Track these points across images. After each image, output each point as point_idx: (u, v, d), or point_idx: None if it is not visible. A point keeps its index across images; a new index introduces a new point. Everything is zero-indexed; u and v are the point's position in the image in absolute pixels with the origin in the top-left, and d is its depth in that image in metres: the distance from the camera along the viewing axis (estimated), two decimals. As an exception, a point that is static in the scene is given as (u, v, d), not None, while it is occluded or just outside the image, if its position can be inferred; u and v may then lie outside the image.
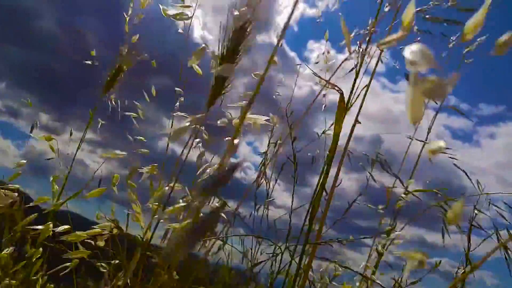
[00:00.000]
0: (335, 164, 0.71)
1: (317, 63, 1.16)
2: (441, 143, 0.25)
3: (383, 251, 0.98)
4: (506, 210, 0.86)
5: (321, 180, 0.71)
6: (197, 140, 0.69)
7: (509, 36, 0.26)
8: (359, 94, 0.67)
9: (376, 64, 0.69)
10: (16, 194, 0.67)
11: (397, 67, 0.98)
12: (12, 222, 0.85)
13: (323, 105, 1.06)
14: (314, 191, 0.90)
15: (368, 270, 0.97)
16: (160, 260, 0.75)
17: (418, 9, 0.70)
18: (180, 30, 0.87)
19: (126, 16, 1.02)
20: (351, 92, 0.65)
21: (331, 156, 0.63)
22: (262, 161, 1.14)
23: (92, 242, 0.72)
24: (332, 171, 0.70)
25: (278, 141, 1.11)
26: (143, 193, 0.78)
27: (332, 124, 1.14)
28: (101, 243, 0.73)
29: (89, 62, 1.05)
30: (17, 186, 0.70)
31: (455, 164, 0.94)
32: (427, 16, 0.69)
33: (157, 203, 0.63)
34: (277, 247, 0.92)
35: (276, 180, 1.18)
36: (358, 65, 0.65)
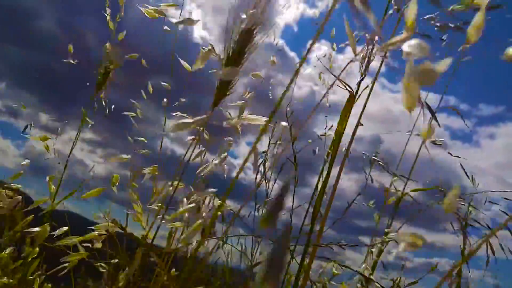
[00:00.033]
0: (335, 164, 0.71)
1: (318, 61, 1.16)
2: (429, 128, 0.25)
3: (382, 248, 0.98)
4: (506, 210, 0.86)
5: (322, 181, 0.71)
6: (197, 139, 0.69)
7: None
8: (360, 94, 0.68)
9: (380, 66, 0.69)
10: (19, 196, 0.67)
11: (397, 67, 0.98)
12: (12, 222, 0.84)
13: (328, 105, 1.07)
14: (314, 191, 0.90)
15: (366, 271, 0.97)
16: (160, 260, 0.75)
17: (428, 16, 0.70)
18: (166, 28, 0.86)
19: (106, 14, 1.02)
20: (356, 92, 0.65)
21: (333, 156, 0.63)
22: (262, 161, 1.14)
23: (90, 244, 0.72)
24: (333, 171, 0.70)
25: (278, 142, 1.12)
26: (144, 193, 0.78)
27: (332, 126, 1.15)
28: (98, 245, 0.73)
29: (70, 61, 1.05)
30: (18, 186, 0.70)
31: (453, 156, 0.95)
32: (437, 24, 0.69)
33: (159, 204, 0.63)
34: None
35: (275, 180, 1.18)
36: (364, 66, 0.65)
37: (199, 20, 0.54)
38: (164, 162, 0.90)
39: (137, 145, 0.94)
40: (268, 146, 1.14)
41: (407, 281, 1.00)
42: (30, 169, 0.86)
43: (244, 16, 0.41)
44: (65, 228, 0.75)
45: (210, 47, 0.46)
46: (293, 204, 1.00)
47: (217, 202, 0.74)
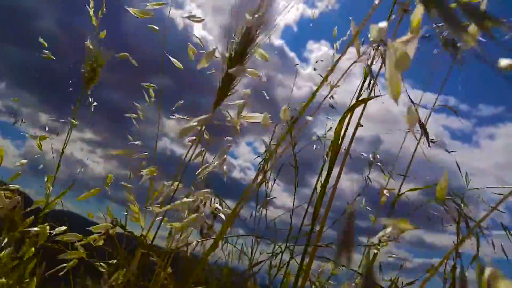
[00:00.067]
0: (335, 164, 0.71)
1: (316, 63, 1.16)
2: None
3: (378, 248, 0.98)
4: (506, 210, 0.86)
5: (322, 181, 0.71)
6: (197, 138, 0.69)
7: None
8: (361, 95, 0.68)
9: (380, 67, 0.69)
10: (18, 196, 0.67)
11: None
12: (11, 222, 0.84)
13: (331, 106, 1.07)
14: (313, 191, 0.91)
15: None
16: (160, 260, 0.75)
17: (437, 24, 0.70)
18: (154, 26, 0.86)
19: (89, 8, 1.01)
20: (359, 93, 0.66)
21: (334, 156, 0.63)
22: (261, 162, 1.14)
23: (90, 242, 0.72)
24: (333, 172, 0.70)
25: (278, 143, 1.12)
26: (144, 193, 0.78)
27: (330, 128, 1.15)
28: (100, 243, 0.73)
29: (44, 55, 1.05)
30: (17, 186, 0.70)
31: (449, 152, 0.95)
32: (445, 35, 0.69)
33: (159, 205, 0.63)
34: (277, 246, 0.92)
35: (274, 180, 1.18)
36: (367, 67, 0.65)
37: (204, 19, 0.54)
38: (164, 162, 0.90)
39: (137, 147, 0.94)
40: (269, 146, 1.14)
41: (406, 281, 1.00)
42: (30, 169, 0.86)
43: (246, 16, 0.41)
44: (63, 227, 0.75)
45: (214, 47, 0.46)
46: (293, 204, 1.00)
47: (217, 202, 0.75)
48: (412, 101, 0.29)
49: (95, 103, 1.06)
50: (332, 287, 1.08)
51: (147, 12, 0.70)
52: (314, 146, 1.06)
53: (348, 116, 0.63)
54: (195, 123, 0.45)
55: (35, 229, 0.75)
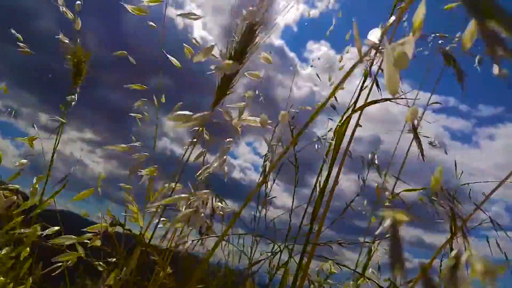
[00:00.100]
0: (335, 164, 0.71)
1: (313, 61, 1.16)
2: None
3: (377, 248, 0.98)
4: (505, 210, 0.86)
5: (322, 181, 0.71)
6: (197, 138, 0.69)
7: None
8: (360, 95, 0.68)
9: (380, 67, 0.70)
10: (15, 196, 0.67)
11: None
12: (9, 222, 0.84)
13: (332, 106, 1.07)
14: (312, 191, 0.91)
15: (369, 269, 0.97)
16: (160, 259, 0.75)
17: (440, 33, 0.71)
18: (151, 23, 0.86)
19: (58, 3, 1.01)
20: (359, 94, 0.66)
21: (334, 156, 0.63)
22: (263, 162, 1.14)
23: (88, 241, 0.72)
24: (333, 172, 0.70)
25: (279, 144, 1.12)
26: (143, 193, 0.78)
27: (331, 129, 1.15)
28: (97, 243, 0.73)
29: (20, 49, 1.05)
30: (16, 186, 0.70)
31: (446, 153, 0.95)
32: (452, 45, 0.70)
33: (157, 206, 0.63)
34: (276, 246, 0.92)
35: (274, 180, 1.18)
36: (368, 68, 0.66)
37: (202, 16, 0.54)
38: (164, 162, 0.90)
39: (137, 147, 0.93)
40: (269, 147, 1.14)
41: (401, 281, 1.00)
42: (30, 169, 0.86)
43: (246, 15, 0.41)
44: (56, 227, 0.75)
45: (213, 43, 0.46)
46: (292, 204, 1.00)
47: (217, 202, 0.75)
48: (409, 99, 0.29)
49: (76, 100, 1.05)
50: (330, 286, 1.08)
51: (144, 9, 0.70)
52: (316, 146, 1.06)
53: (348, 116, 0.63)
54: (191, 113, 0.45)
55: (27, 230, 0.75)
